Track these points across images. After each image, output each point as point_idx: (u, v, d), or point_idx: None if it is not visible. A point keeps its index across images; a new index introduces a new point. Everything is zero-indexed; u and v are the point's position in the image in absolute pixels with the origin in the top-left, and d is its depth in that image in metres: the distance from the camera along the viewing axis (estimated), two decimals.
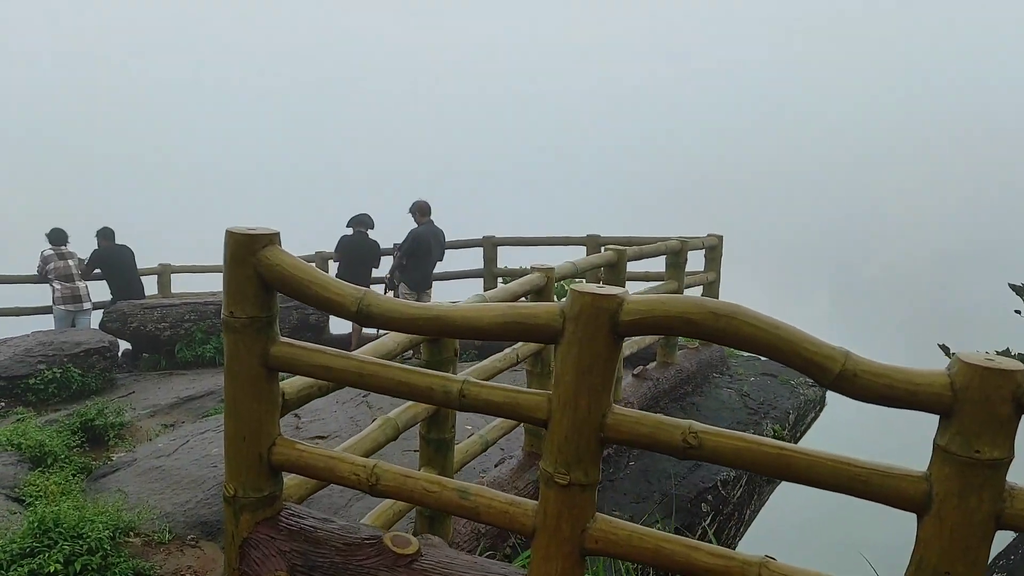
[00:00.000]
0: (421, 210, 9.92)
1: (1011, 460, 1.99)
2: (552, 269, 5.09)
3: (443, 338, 3.88)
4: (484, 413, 2.58)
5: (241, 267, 2.66)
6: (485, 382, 2.55)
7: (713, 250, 8.66)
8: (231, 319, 2.70)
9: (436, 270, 10.36)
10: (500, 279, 11.08)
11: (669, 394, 7.26)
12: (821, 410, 8.96)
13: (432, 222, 10.01)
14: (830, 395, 9.19)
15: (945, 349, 12.60)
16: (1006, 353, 10.55)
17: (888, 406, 2.10)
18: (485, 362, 4.51)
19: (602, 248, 6.58)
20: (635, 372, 7.07)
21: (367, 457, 3.33)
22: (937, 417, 2.07)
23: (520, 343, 4.83)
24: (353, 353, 2.81)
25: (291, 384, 2.93)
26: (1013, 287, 10.31)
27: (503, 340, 2.55)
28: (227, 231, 2.67)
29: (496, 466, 5.13)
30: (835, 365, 2.09)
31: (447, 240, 10.37)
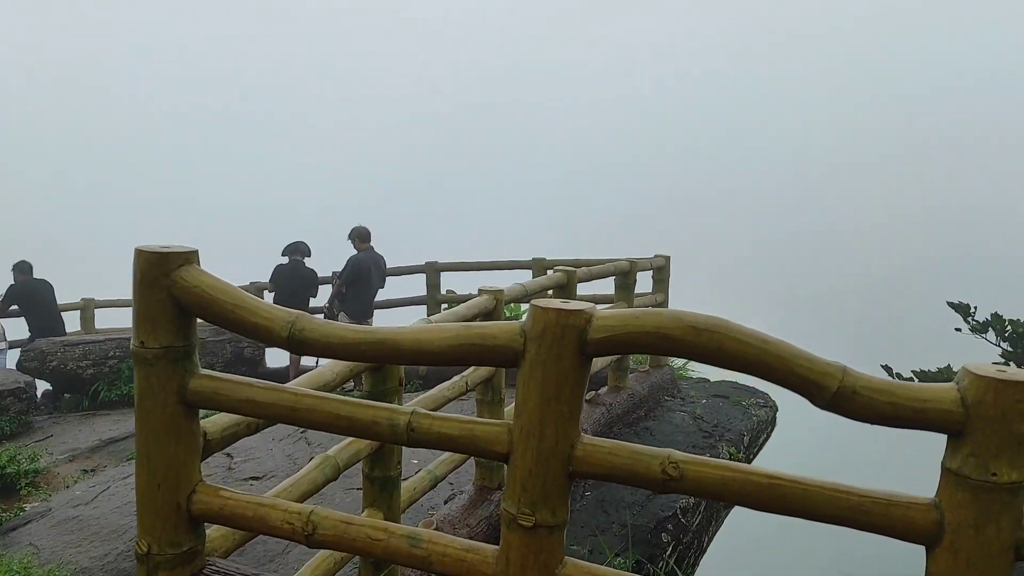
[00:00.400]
0: (360, 236, 9.59)
1: None
2: (501, 291, 4.83)
3: (388, 365, 3.58)
4: (436, 448, 2.29)
5: (152, 290, 2.33)
6: (436, 413, 2.26)
7: (661, 271, 8.52)
8: (141, 350, 2.36)
9: (377, 298, 10.01)
10: (443, 305, 10.78)
11: (622, 419, 7.03)
12: (772, 431, 8.84)
13: (372, 248, 9.68)
14: (780, 415, 9.09)
15: (888, 370, 12.73)
16: (947, 370, 10.62)
17: (891, 426, 1.88)
18: (433, 391, 4.22)
19: (548, 272, 6.36)
20: (587, 398, 6.83)
21: (304, 501, 3.00)
22: (929, 434, 1.87)
23: (470, 369, 4.55)
24: (286, 385, 2.50)
25: (215, 423, 2.59)
26: (952, 305, 10.41)
27: (457, 364, 2.27)
28: (136, 250, 2.34)
29: (446, 503, 4.81)
30: (832, 382, 1.86)
31: (388, 267, 10.04)
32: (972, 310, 9.05)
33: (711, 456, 6.83)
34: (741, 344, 1.91)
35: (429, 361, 2.22)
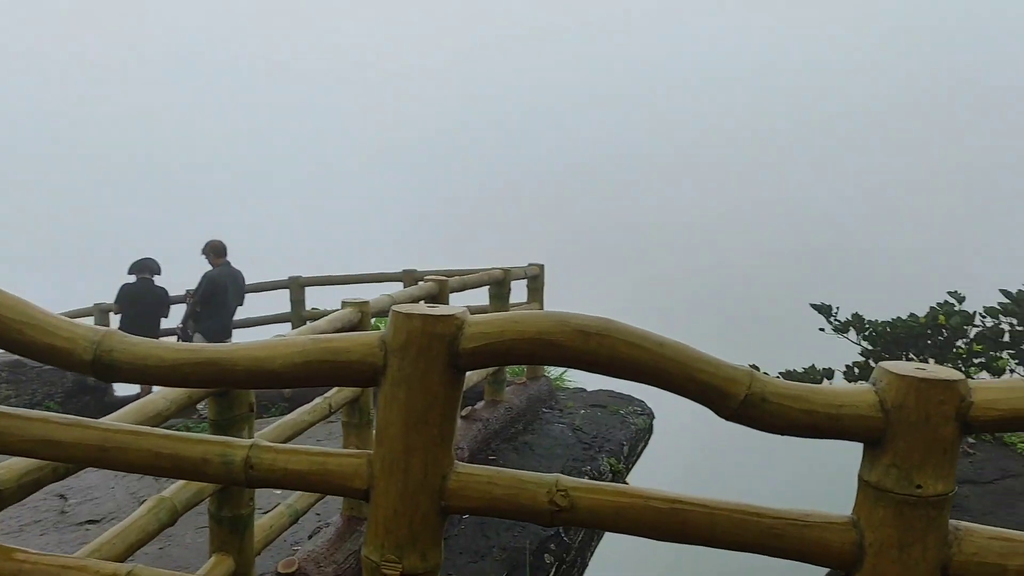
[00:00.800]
0: (215, 251, 8.94)
1: (954, 495, 1.60)
2: (367, 303, 4.46)
3: (232, 389, 3.16)
4: (282, 487, 1.92)
5: None
6: (282, 445, 1.90)
7: (535, 279, 8.33)
8: None
9: (236, 316, 9.38)
10: (308, 323, 10.22)
11: (500, 435, 6.75)
12: (649, 438, 8.79)
13: (229, 263, 9.05)
14: (657, 422, 9.07)
15: (755, 369, 13.08)
16: (812, 370, 10.95)
17: (804, 436, 1.66)
18: (291, 416, 3.81)
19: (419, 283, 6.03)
20: (463, 414, 6.52)
21: (134, 552, 2.56)
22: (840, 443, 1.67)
23: (334, 389, 4.16)
24: (100, 420, 2.07)
25: (9, 468, 2.13)
26: (814, 306, 10.73)
27: (303, 386, 1.91)
28: None
29: (311, 537, 4.38)
30: (739, 389, 1.63)
31: (247, 283, 9.43)
32: (834, 311, 9.32)
33: (591, 469, 6.67)
34: (635, 349, 1.65)
35: (270, 383, 1.86)
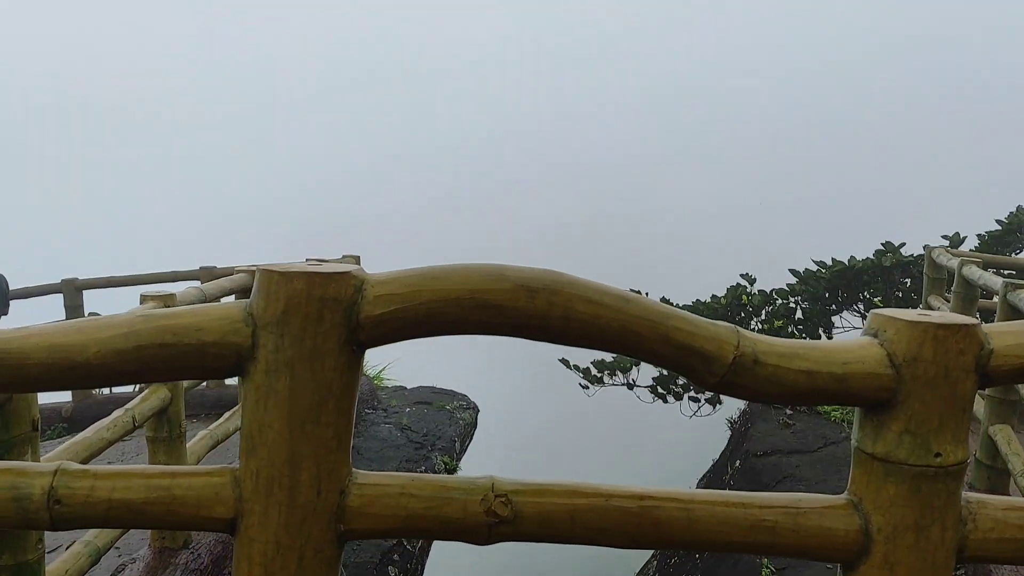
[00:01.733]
0: None
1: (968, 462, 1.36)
2: (173, 296, 3.80)
3: (11, 398, 2.47)
4: (107, 527, 1.38)
5: None
6: (102, 468, 1.35)
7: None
8: None
9: (2, 325, 8.07)
10: None
11: None
12: (474, 432, 8.51)
13: None
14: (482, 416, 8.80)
15: (564, 362, 13.19)
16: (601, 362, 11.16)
17: (801, 403, 1.37)
18: (85, 434, 3.10)
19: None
20: None
21: None
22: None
23: (137, 399, 3.48)
24: None
25: None
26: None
27: (132, 382, 1.39)
28: None
29: None
30: (726, 351, 1.30)
31: (10, 288, 8.15)
32: None
33: (426, 469, 6.24)
34: (595, 306, 1.28)
35: (79, 381, 1.32)
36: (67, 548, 3.08)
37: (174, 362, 1.29)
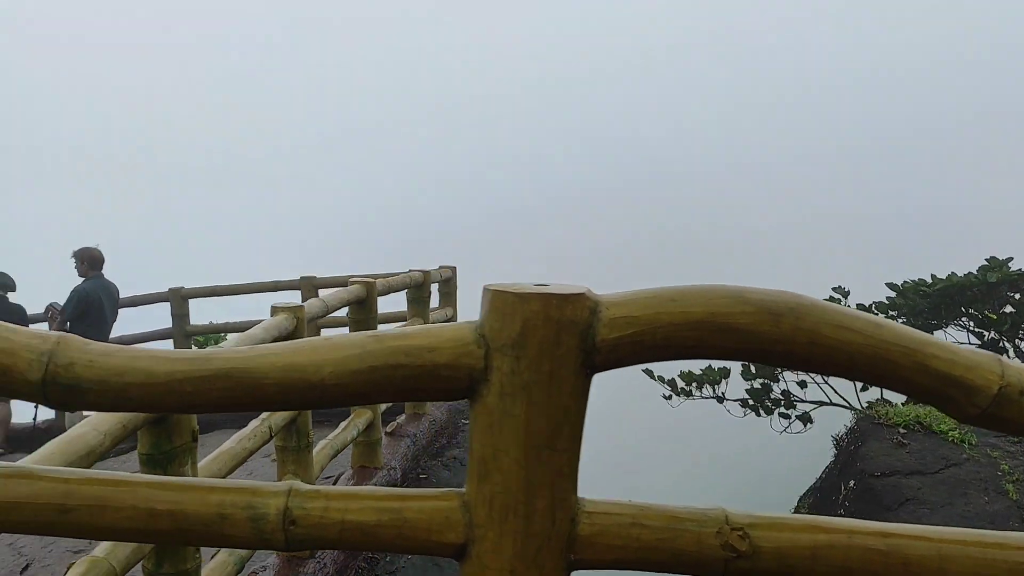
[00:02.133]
0: (90, 261, 7.87)
1: None
2: (301, 307, 3.86)
3: (172, 415, 2.52)
4: (341, 548, 1.37)
5: None
6: (333, 489, 1.35)
7: (448, 283, 7.85)
8: None
9: (112, 334, 8.36)
10: (195, 339, 9.30)
11: (427, 450, 6.22)
12: None
13: (103, 276, 8.03)
14: None
15: (648, 372, 13.03)
16: None
17: None
18: (228, 444, 3.16)
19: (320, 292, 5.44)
20: (387, 430, 5.94)
21: None
22: None
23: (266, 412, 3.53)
24: (51, 467, 1.45)
25: None
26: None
27: (362, 403, 1.40)
28: None
29: None
30: (990, 381, 1.22)
31: (121, 296, 8.43)
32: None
33: None
34: (845, 332, 1.22)
35: (312, 401, 1.32)
36: (212, 557, 3.15)
37: (406, 384, 1.28)
